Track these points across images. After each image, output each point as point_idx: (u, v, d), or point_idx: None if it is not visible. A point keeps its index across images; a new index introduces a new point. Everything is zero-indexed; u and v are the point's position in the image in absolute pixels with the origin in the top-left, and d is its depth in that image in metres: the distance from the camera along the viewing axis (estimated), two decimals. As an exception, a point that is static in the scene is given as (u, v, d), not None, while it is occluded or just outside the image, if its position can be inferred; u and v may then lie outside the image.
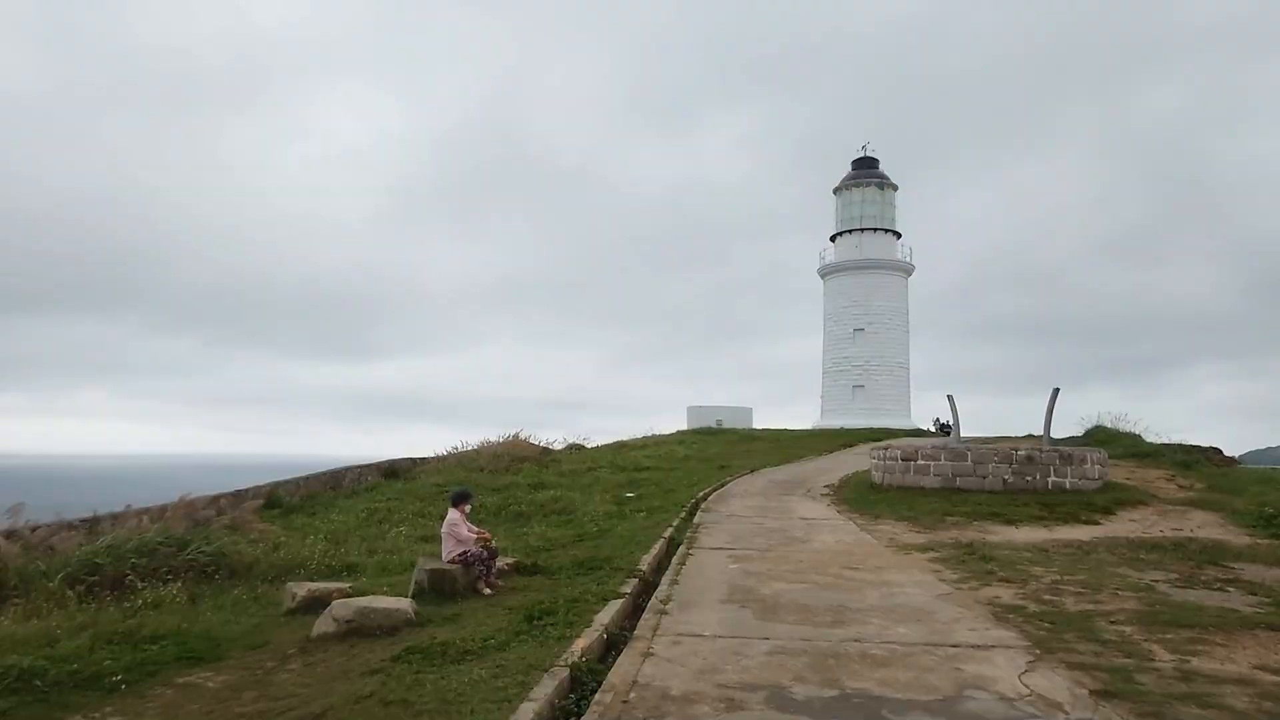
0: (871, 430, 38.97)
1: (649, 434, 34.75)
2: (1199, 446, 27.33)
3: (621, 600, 6.80)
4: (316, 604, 7.41)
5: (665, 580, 7.99)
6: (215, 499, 14.98)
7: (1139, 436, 27.64)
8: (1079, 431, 28.53)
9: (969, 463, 17.17)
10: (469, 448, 27.18)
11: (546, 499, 17.10)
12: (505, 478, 21.17)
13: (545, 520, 14.91)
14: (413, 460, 27.29)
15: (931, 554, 10.18)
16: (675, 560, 9.29)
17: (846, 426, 41.33)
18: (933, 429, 44.75)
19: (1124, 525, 13.84)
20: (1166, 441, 27.21)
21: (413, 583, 7.79)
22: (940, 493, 16.81)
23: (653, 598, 7.15)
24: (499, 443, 27.06)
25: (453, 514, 8.49)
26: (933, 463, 17.53)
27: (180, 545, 10.46)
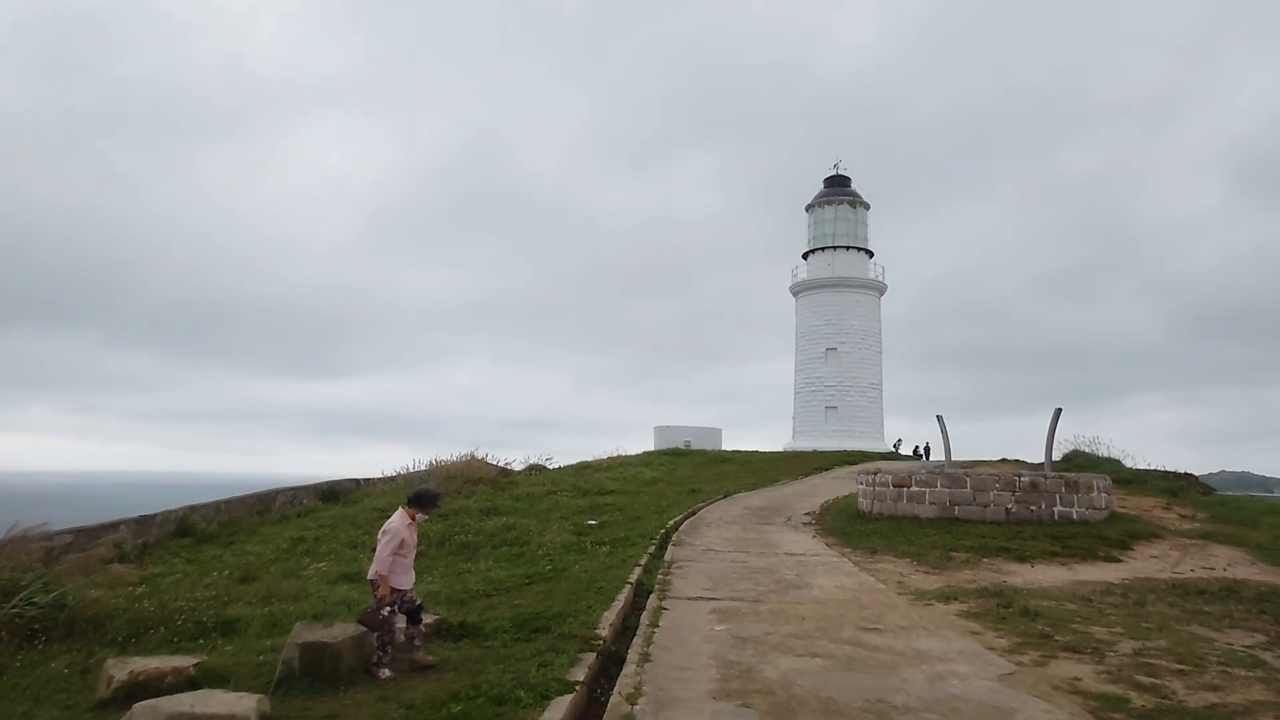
0: (846, 453, 37.46)
1: (614, 454, 32.54)
2: (1176, 473, 26.22)
3: (571, 697, 4.73)
4: (139, 692, 5.22)
5: (633, 653, 5.95)
6: (88, 531, 12.52)
7: (1119, 462, 26.40)
8: (1057, 456, 27.19)
9: (968, 490, 15.44)
10: (420, 467, 24.84)
11: (498, 527, 14.95)
12: (456, 502, 18.84)
13: (494, 553, 12.79)
14: (356, 481, 24.87)
15: (957, 605, 8.30)
16: (645, 619, 7.25)
17: (819, 448, 39.73)
18: (895, 449, 43.36)
19: (1148, 564, 12.21)
20: (1144, 467, 26.06)
21: (280, 663, 5.58)
22: (938, 523, 15.05)
23: (615, 688, 5.09)
24: (453, 462, 24.65)
25: (401, 517, 6.12)
26: (928, 490, 15.77)
27: (5, 594, 8.14)
